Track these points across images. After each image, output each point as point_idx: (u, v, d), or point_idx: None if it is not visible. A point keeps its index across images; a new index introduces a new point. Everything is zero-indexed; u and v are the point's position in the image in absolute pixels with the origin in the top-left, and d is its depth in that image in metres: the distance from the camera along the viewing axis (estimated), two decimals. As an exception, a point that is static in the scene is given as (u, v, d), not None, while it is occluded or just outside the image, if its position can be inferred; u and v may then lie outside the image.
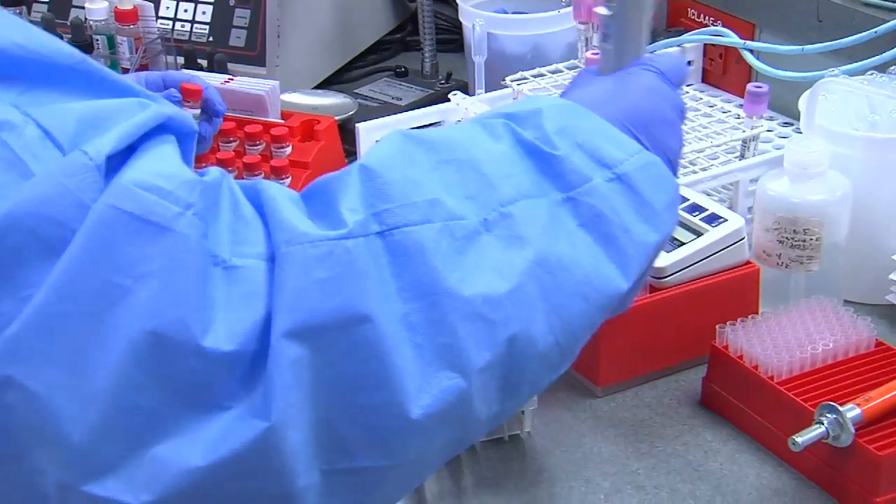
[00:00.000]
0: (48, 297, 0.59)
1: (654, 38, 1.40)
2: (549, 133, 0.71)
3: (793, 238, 0.98)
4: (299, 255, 0.63)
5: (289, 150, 1.25)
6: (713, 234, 0.96)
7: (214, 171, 0.65)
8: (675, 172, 0.76)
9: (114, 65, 1.37)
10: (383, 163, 0.67)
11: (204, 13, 1.43)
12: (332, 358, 0.63)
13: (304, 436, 0.62)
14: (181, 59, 1.37)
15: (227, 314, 0.62)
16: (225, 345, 0.61)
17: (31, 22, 1.42)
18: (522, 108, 0.72)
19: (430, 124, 1.28)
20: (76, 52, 0.66)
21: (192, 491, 0.61)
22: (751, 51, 1.29)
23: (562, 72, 1.24)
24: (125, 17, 1.35)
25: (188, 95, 1.07)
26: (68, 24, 1.35)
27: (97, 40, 1.35)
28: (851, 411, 0.81)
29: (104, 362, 0.60)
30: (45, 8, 1.47)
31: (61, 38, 1.33)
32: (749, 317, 0.93)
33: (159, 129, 0.65)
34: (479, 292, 0.66)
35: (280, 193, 0.65)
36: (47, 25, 1.35)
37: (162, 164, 0.64)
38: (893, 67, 1.12)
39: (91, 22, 1.36)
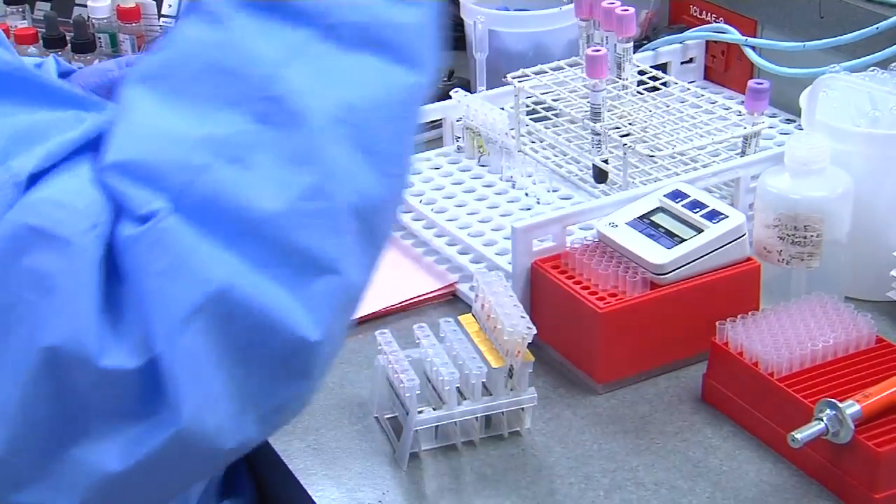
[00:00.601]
0: None
1: (657, 34, 1.40)
2: None
3: (793, 235, 0.98)
4: (133, 258, 0.62)
5: (290, 147, 1.25)
6: (714, 231, 0.96)
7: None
8: None
9: (116, 63, 1.37)
10: (136, 147, 0.63)
11: (206, 11, 1.43)
12: (218, 334, 0.62)
13: (225, 409, 0.63)
14: (183, 57, 1.37)
15: (118, 334, 0.62)
16: (125, 362, 0.62)
17: (34, 20, 1.43)
18: None
19: (432, 122, 1.29)
20: (12, 58, 0.65)
21: (117, 490, 0.62)
22: (752, 47, 1.29)
23: (563, 69, 1.24)
24: (128, 15, 1.35)
25: None
26: (71, 22, 1.36)
27: (100, 38, 1.36)
28: (851, 408, 0.80)
29: (9, 378, 0.61)
30: (48, 6, 1.47)
31: (64, 36, 1.34)
32: (749, 313, 0.92)
33: (95, 143, 0.64)
34: (294, 194, 0.63)
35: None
36: (50, 23, 1.35)
37: (74, 181, 0.63)
38: (895, 64, 1.12)
39: (93, 20, 1.36)
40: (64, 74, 1.06)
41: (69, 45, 1.35)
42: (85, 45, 1.34)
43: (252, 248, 0.63)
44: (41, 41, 1.35)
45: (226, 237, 0.62)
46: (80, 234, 0.62)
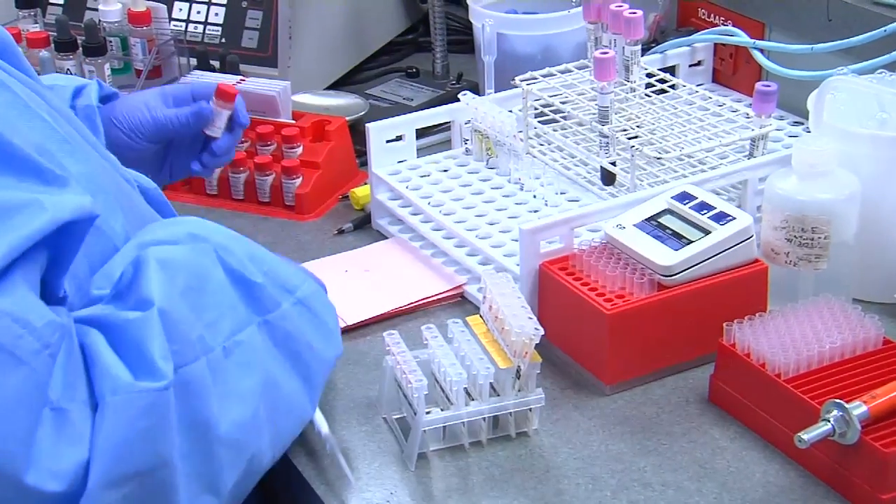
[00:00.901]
0: None
1: (665, 37, 1.41)
2: (244, 259, 0.79)
3: (801, 236, 0.98)
4: (124, 405, 0.68)
5: (300, 150, 1.26)
6: (721, 233, 0.96)
7: (62, 313, 0.69)
8: None
9: (127, 66, 1.38)
10: (170, 299, 0.73)
11: (216, 15, 1.44)
12: (134, 502, 0.69)
13: None
14: (194, 61, 1.38)
15: (51, 455, 0.65)
16: (47, 484, 0.65)
17: (46, 24, 1.43)
18: (209, 232, 0.80)
19: (440, 125, 1.29)
20: None
21: None
22: (760, 50, 1.29)
23: (571, 71, 1.24)
24: (138, 19, 1.36)
25: (221, 95, 1.08)
26: (82, 25, 1.37)
27: (111, 42, 1.37)
28: (858, 409, 0.81)
29: None
30: (59, 10, 1.48)
31: (76, 39, 1.35)
32: (757, 315, 0.93)
33: (51, 237, 0.68)
34: (232, 420, 0.74)
35: (100, 340, 0.70)
36: (61, 27, 1.36)
37: (30, 295, 0.67)
38: (903, 66, 1.12)
39: (104, 24, 1.37)
40: (106, 98, 1.07)
41: (80, 48, 1.35)
42: (96, 48, 1.35)
43: (190, 442, 0.71)
44: (52, 45, 1.36)
45: (182, 422, 0.71)
46: (33, 354, 0.65)
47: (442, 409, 0.88)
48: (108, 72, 1.36)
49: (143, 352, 0.69)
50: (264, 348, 0.77)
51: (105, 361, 0.69)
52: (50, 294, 0.70)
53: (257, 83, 1.30)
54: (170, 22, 1.42)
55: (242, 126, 1.12)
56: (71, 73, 1.35)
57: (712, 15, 1.38)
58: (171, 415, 0.69)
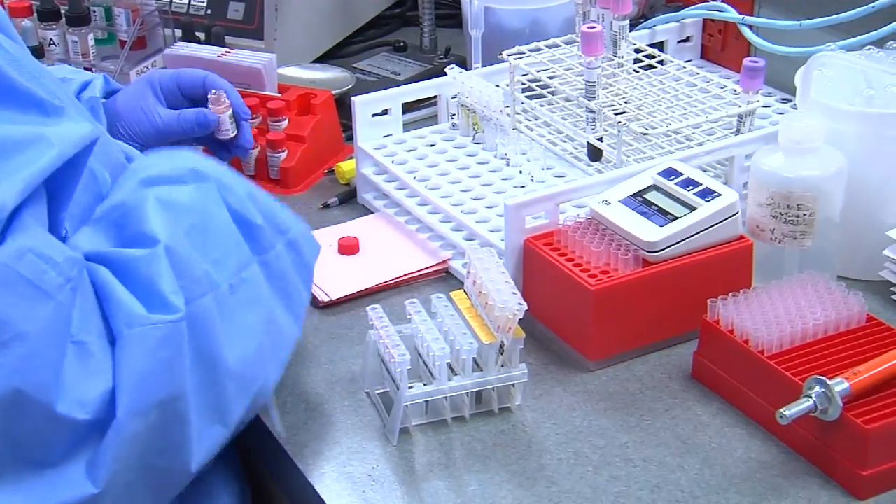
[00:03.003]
0: None
1: (653, 12, 1.40)
2: (245, 199, 0.81)
3: (786, 213, 0.98)
4: (141, 338, 0.70)
5: (285, 123, 1.25)
6: (707, 209, 0.96)
7: (75, 250, 0.72)
8: None
9: (111, 36, 1.37)
10: (174, 238, 0.75)
11: (202, -14, 1.43)
12: (155, 431, 0.71)
13: (111, 499, 0.70)
14: (178, 32, 1.37)
15: (77, 385, 0.68)
16: (76, 413, 0.67)
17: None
18: (211, 170, 0.82)
19: (427, 99, 1.28)
20: None
21: None
22: (749, 26, 1.28)
23: (559, 46, 1.23)
24: (123, -10, 1.35)
25: (214, 103, 1.12)
26: (66, -5, 1.35)
27: (94, 12, 1.35)
28: (839, 385, 0.81)
29: None
30: (43, -20, 1.46)
31: (59, 9, 1.34)
32: (741, 291, 0.93)
33: (58, 174, 0.70)
34: (238, 354, 0.76)
35: (111, 277, 0.72)
36: (45, -3, 1.34)
37: (46, 233, 0.70)
38: (891, 42, 1.11)
39: (88, -6, 1.35)
40: (112, 94, 1.07)
41: (63, 18, 1.34)
42: (79, 18, 1.33)
43: (201, 374, 0.73)
44: (35, 14, 1.34)
45: (193, 355, 0.73)
46: (58, 288, 0.68)
47: (424, 384, 0.88)
48: (91, 42, 1.34)
49: (154, 287, 0.72)
50: (265, 286, 0.80)
51: (118, 297, 0.71)
52: (53, 232, 0.72)
53: (243, 55, 1.29)
54: (155, -7, 1.40)
55: (246, 119, 1.15)
56: (55, 45, 1.34)
57: (701, -10, 1.37)
58: (185, 347, 0.72)
